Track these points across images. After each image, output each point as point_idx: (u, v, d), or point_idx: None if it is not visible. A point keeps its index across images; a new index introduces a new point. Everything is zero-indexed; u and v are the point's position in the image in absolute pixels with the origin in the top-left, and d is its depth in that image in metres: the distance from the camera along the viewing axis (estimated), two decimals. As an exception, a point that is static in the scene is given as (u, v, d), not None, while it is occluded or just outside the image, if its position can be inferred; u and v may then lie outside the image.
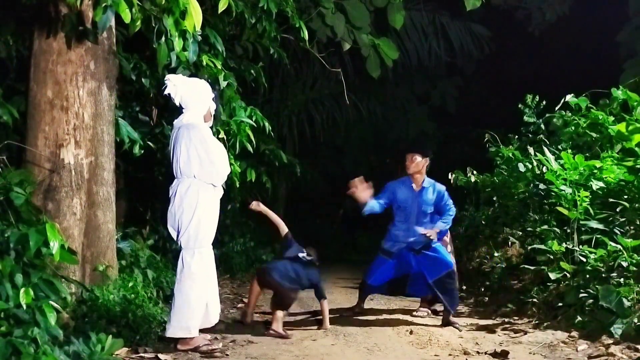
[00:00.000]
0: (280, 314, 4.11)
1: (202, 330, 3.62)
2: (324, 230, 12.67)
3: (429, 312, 5.05)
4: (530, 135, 7.01)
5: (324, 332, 4.24)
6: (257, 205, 4.57)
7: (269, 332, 4.04)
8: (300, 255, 4.46)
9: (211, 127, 3.78)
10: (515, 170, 6.20)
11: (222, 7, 3.87)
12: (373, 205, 4.71)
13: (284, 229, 4.67)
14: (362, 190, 4.65)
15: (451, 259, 4.87)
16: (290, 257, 4.44)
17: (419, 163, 4.73)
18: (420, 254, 4.68)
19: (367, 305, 5.28)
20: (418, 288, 4.85)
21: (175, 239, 3.60)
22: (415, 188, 4.79)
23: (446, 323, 4.53)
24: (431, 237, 4.61)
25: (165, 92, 3.61)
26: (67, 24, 3.53)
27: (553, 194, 4.96)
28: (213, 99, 3.73)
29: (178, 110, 3.68)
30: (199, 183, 3.52)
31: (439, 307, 4.99)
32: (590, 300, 3.99)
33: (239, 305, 5.46)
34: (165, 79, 3.64)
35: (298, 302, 5.39)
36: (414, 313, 5.01)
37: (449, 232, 5.25)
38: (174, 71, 4.42)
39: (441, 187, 4.83)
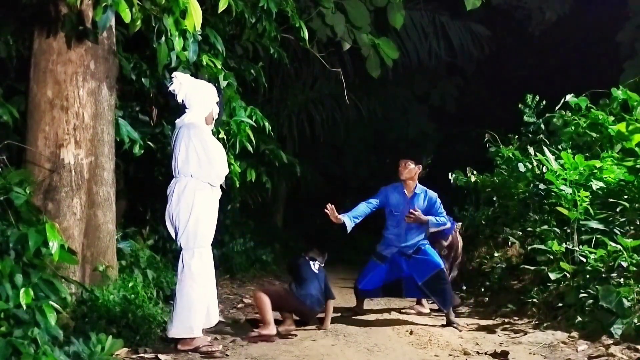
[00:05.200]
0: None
1: (202, 331, 3.62)
2: (324, 230, 12.66)
3: (422, 309, 5.14)
4: (530, 135, 7.02)
5: (324, 332, 4.24)
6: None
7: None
8: (314, 267, 4.48)
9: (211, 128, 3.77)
10: (515, 170, 6.20)
11: (222, 6, 3.86)
12: (354, 217, 4.73)
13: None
14: (334, 215, 4.66)
15: (458, 258, 4.93)
16: (307, 275, 4.42)
17: (411, 170, 4.82)
18: (411, 258, 4.78)
19: (367, 306, 5.28)
20: (412, 292, 4.93)
21: (174, 238, 3.60)
22: (407, 194, 4.87)
23: (448, 323, 4.56)
24: (417, 215, 4.65)
25: (170, 89, 3.61)
26: (67, 24, 3.53)
27: (553, 194, 4.96)
28: (217, 103, 3.73)
29: (179, 111, 3.67)
30: (195, 182, 3.51)
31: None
32: (590, 301, 3.99)
33: (239, 305, 5.47)
34: (172, 75, 3.65)
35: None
36: (408, 310, 5.14)
37: (456, 233, 5.29)
38: (174, 71, 4.42)
39: (433, 194, 4.89)
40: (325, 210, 4.61)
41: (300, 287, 4.34)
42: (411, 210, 4.69)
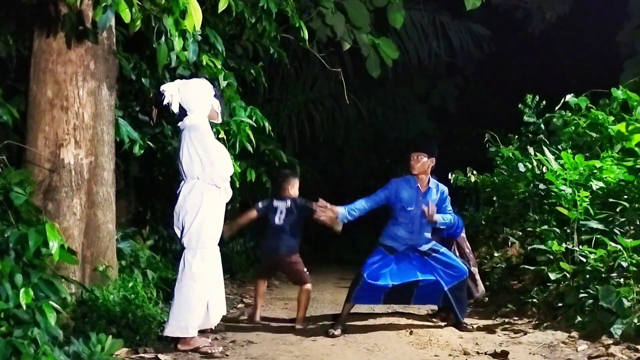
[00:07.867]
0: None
1: (201, 331, 3.62)
2: (324, 231, 12.64)
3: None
4: (530, 135, 7.02)
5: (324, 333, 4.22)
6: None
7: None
8: (278, 218, 4.66)
9: (212, 127, 3.76)
10: (515, 170, 6.20)
11: (222, 6, 3.87)
12: (351, 212, 4.40)
13: (252, 213, 4.79)
14: (327, 212, 4.38)
15: (472, 262, 4.79)
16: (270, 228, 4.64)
17: (424, 163, 4.41)
18: (432, 257, 4.42)
19: (367, 306, 5.26)
20: (426, 297, 4.54)
21: (179, 239, 3.60)
22: (421, 189, 4.46)
23: (455, 325, 4.43)
24: (430, 214, 4.36)
25: (164, 103, 3.58)
26: (67, 24, 3.53)
27: (553, 194, 4.96)
28: (215, 96, 3.68)
29: (181, 113, 3.66)
30: (202, 184, 3.51)
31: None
32: (590, 301, 3.99)
33: (239, 305, 5.47)
34: (160, 89, 3.60)
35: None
36: (432, 320, 4.84)
37: (464, 233, 5.07)
38: (174, 71, 4.43)
39: (444, 188, 4.60)
40: (318, 208, 4.35)
41: (264, 242, 4.78)
42: (427, 207, 4.37)
